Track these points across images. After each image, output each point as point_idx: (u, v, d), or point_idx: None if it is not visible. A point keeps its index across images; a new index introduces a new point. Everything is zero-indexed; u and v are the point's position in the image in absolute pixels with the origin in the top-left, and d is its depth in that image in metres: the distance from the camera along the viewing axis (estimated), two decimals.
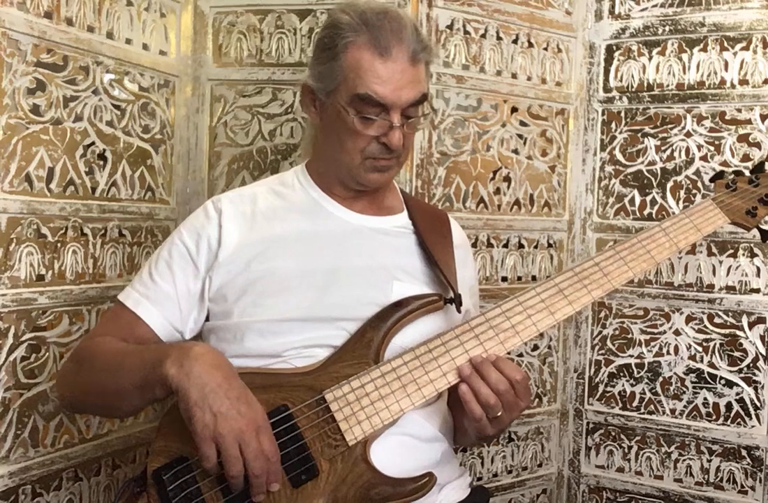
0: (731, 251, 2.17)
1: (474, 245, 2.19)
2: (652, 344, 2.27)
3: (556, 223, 2.34)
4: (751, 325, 2.14)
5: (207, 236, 1.51)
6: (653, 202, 2.27)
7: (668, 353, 2.24)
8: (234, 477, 1.23)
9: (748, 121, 2.15)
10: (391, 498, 1.29)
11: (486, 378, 1.34)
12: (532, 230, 2.30)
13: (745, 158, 2.14)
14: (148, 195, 2.03)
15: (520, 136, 2.27)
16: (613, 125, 2.32)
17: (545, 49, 2.28)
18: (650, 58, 2.27)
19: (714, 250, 2.18)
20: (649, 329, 2.27)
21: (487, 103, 2.21)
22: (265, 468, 1.24)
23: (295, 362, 1.41)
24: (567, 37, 2.31)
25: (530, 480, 2.34)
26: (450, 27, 2.12)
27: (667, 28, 2.23)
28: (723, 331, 2.18)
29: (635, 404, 2.29)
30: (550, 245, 2.33)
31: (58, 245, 1.77)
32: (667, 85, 2.25)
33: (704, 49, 2.20)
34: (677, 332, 2.23)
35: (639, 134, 2.29)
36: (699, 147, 2.21)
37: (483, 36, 2.18)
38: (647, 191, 2.28)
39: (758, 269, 2.14)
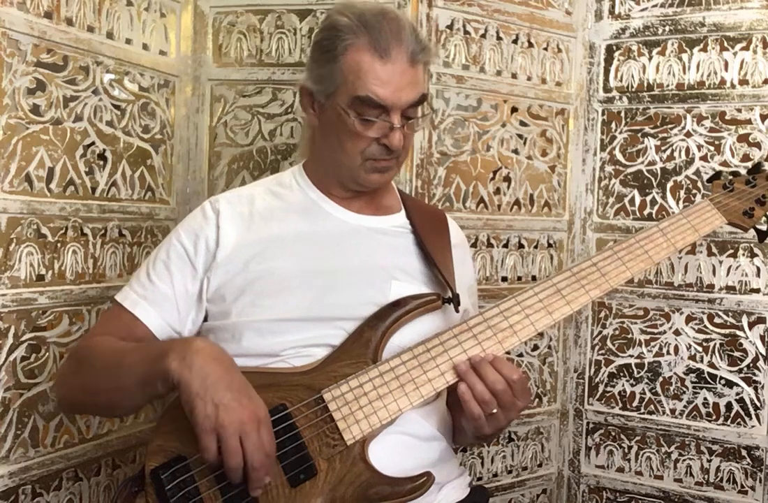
0: (731, 251, 2.17)
1: (474, 245, 2.19)
2: (652, 344, 2.27)
3: (556, 223, 2.34)
4: (751, 325, 2.14)
5: (205, 236, 1.51)
6: (653, 202, 2.27)
7: (668, 353, 2.24)
8: (233, 469, 1.23)
9: (748, 121, 2.15)
10: (389, 497, 1.29)
11: (483, 378, 1.34)
12: (532, 230, 2.30)
13: (745, 158, 2.14)
14: (148, 195, 2.03)
15: (520, 136, 2.27)
16: (613, 125, 2.32)
17: (545, 49, 2.29)
18: (650, 58, 2.27)
19: (714, 250, 2.18)
20: (649, 329, 2.27)
21: (487, 103, 2.21)
22: (264, 461, 1.23)
23: (293, 361, 1.41)
24: (567, 37, 2.31)
25: (530, 480, 2.34)
26: (450, 27, 2.12)
27: (667, 28, 2.23)
28: (723, 331, 2.18)
29: (635, 404, 2.29)
30: (550, 245, 2.33)
31: (58, 245, 1.78)
32: (667, 85, 2.25)
33: (704, 49, 2.20)
34: (677, 332, 2.23)
35: (639, 134, 2.29)
36: (699, 147, 2.21)
37: (483, 36, 2.18)
38: (647, 191, 2.28)
39: (758, 269, 2.14)
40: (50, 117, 1.74)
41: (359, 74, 1.42)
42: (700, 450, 2.20)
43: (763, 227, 1.65)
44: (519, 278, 2.28)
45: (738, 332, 2.16)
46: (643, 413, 2.27)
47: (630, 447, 2.29)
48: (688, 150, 2.23)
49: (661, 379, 2.26)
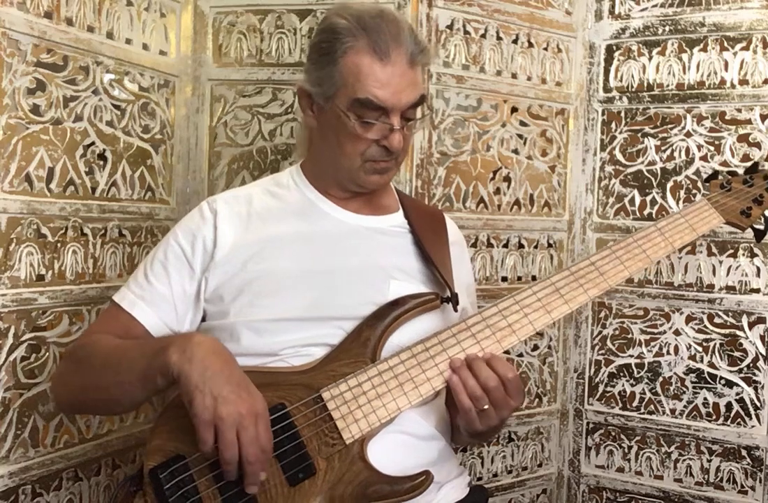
0: (731, 251, 2.17)
1: (474, 245, 2.19)
2: (652, 344, 2.27)
3: (556, 223, 2.34)
4: (751, 325, 2.14)
5: (202, 237, 1.51)
6: (653, 202, 2.27)
7: (668, 353, 2.24)
8: (227, 461, 1.23)
9: (748, 121, 2.15)
10: (388, 496, 1.29)
11: (476, 374, 1.34)
12: (532, 230, 2.30)
13: (745, 158, 2.14)
14: (148, 195, 2.03)
15: (520, 136, 2.27)
16: (613, 125, 2.32)
17: (545, 49, 2.29)
18: (650, 58, 2.27)
19: (714, 250, 2.18)
20: (649, 329, 2.27)
21: (487, 103, 2.21)
22: (259, 455, 1.23)
23: (291, 361, 1.41)
24: (567, 37, 2.31)
25: (530, 480, 2.34)
26: (450, 27, 2.12)
27: (667, 28, 2.23)
28: (723, 331, 2.18)
29: (635, 404, 2.29)
30: (550, 245, 2.33)
31: (58, 245, 1.78)
32: (667, 85, 2.25)
33: (704, 49, 2.20)
34: (677, 332, 2.23)
35: (639, 134, 2.29)
36: (699, 147, 2.21)
37: (483, 36, 2.18)
38: (647, 191, 2.28)
39: (758, 269, 2.14)
40: (50, 117, 1.74)
41: (359, 77, 1.42)
42: (700, 450, 2.20)
43: (761, 227, 1.65)
44: (519, 278, 2.28)
45: (738, 332, 2.16)
46: (643, 413, 2.27)
47: (630, 447, 2.29)
48: (688, 150, 2.23)
49: (661, 379, 2.26)
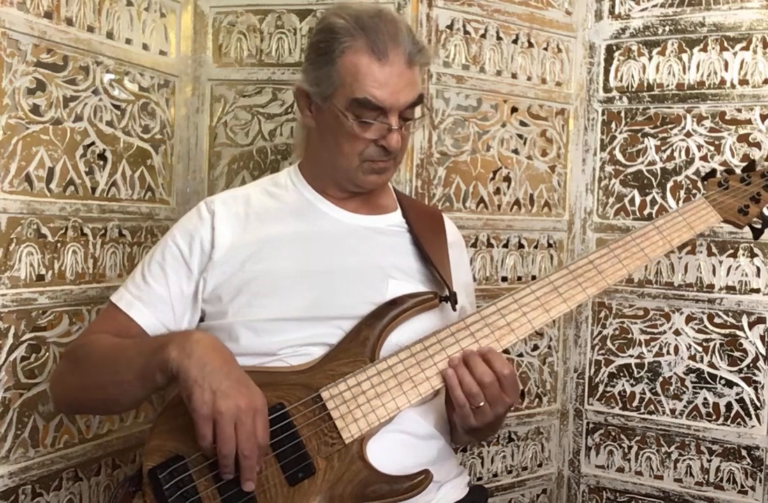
0: (731, 251, 2.17)
1: (474, 245, 2.19)
2: (652, 344, 2.27)
3: (556, 223, 2.34)
4: (751, 325, 2.14)
5: (200, 237, 1.51)
6: (653, 202, 2.27)
7: (668, 353, 2.24)
8: (225, 456, 1.23)
9: (748, 121, 2.15)
10: (388, 495, 1.29)
11: (472, 370, 1.34)
12: (532, 230, 2.30)
13: (745, 158, 2.14)
14: (148, 195, 2.03)
15: (520, 136, 2.27)
16: (613, 125, 2.32)
17: (545, 49, 2.29)
18: (650, 58, 2.27)
19: (714, 250, 2.18)
20: (649, 329, 2.27)
21: (487, 103, 2.21)
22: (254, 449, 1.24)
23: (290, 360, 1.41)
24: (567, 37, 2.31)
25: (530, 480, 2.34)
26: (450, 27, 2.12)
27: (667, 28, 2.23)
28: (723, 331, 2.18)
29: (635, 404, 2.29)
30: (550, 245, 2.33)
31: (58, 245, 1.78)
32: (667, 85, 2.25)
33: (704, 49, 2.20)
34: (677, 332, 2.23)
35: (639, 134, 2.29)
36: (699, 147, 2.21)
37: (483, 36, 2.18)
38: (647, 191, 2.28)
39: (758, 269, 2.14)
40: (50, 117, 1.74)
41: (357, 76, 1.43)
42: (700, 450, 2.20)
43: (758, 225, 1.65)
44: (519, 278, 2.28)
45: (738, 332, 2.16)
46: (643, 413, 2.27)
47: (630, 447, 2.29)
48: (688, 150, 2.23)
49: (661, 379, 2.25)
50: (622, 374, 2.31)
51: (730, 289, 2.17)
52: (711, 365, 2.19)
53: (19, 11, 1.65)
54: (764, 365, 2.13)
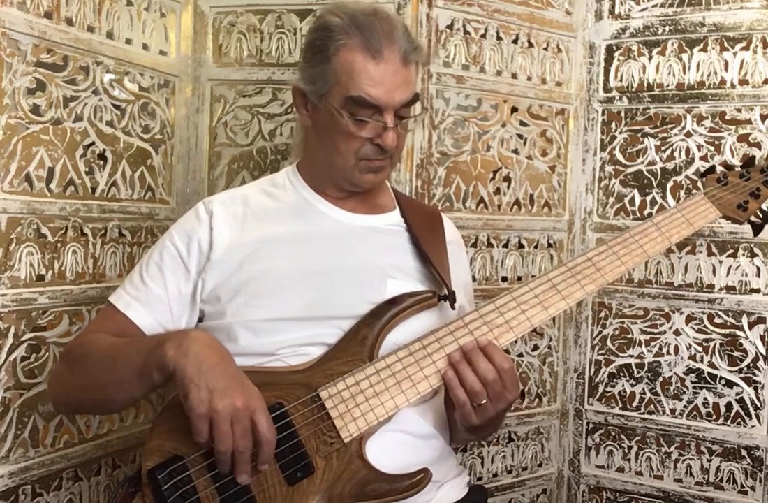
0: (731, 251, 2.16)
1: (474, 245, 2.19)
2: (652, 344, 2.26)
3: (556, 223, 2.34)
4: (751, 325, 2.14)
5: (198, 238, 1.51)
6: (653, 202, 2.27)
7: (668, 353, 2.24)
8: (222, 453, 1.23)
9: (748, 121, 2.15)
10: (387, 494, 1.29)
11: (475, 366, 1.34)
12: (532, 230, 2.30)
13: (745, 158, 2.14)
14: (148, 195, 2.03)
15: (520, 136, 2.27)
16: (613, 125, 2.32)
17: (545, 49, 2.29)
18: (650, 58, 2.27)
19: (714, 250, 2.18)
20: (649, 329, 2.27)
21: (487, 103, 2.21)
22: (250, 446, 1.24)
23: (289, 360, 1.41)
24: (567, 37, 2.31)
25: (530, 480, 2.34)
26: (450, 27, 2.12)
27: (667, 28, 2.23)
28: (723, 331, 2.18)
29: (635, 404, 2.29)
30: (550, 245, 2.33)
31: (58, 245, 1.78)
32: (667, 85, 2.25)
33: (704, 49, 2.20)
34: (677, 332, 2.23)
35: (639, 134, 2.29)
36: (699, 147, 2.21)
37: (483, 36, 2.18)
38: (647, 191, 2.28)
39: (758, 269, 2.14)
40: (50, 117, 1.74)
41: (352, 75, 1.43)
42: (700, 450, 2.20)
43: (758, 220, 1.65)
44: (519, 278, 2.28)
45: (738, 332, 2.16)
46: (643, 413, 2.27)
47: (630, 447, 2.29)
48: (688, 150, 2.23)
49: (661, 379, 2.25)
50: (622, 374, 2.31)
51: (730, 289, 2.17)
52: (711, 365, 2.19)
53: (19, 11, 1.65)
54: (764, 365, 2.13)
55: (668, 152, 2.25)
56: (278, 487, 1.29)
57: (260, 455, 1.26)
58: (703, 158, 2.20)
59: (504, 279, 2.26)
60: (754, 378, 2.14)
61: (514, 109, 2.25)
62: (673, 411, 2.24)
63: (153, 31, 2.02)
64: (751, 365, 2.14)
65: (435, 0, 2.07)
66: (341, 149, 1.48)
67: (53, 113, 1.75)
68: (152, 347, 1.30)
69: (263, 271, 1.47)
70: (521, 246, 2.29)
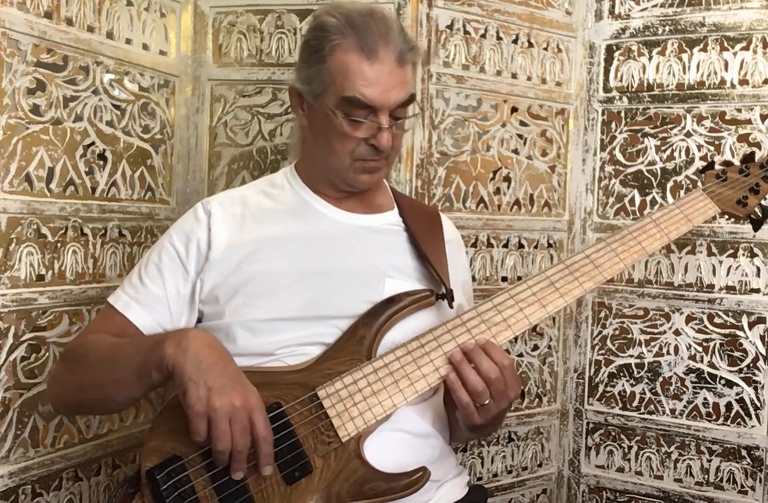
0: (731, 251, 2.16)
1: (474, 245, 2.19)
2: (652, 344, 2.26)
3: (556, 223, 2.34)
4: (751, 325, 2.14)
5: (196, 238, 1.51)
6: (653, 202, 2.27)
7: (668, 353, 2.24)
8: (220, 451, 1.24)
9: (748, 122, 2.15)
10: (385, 493, 1.29)
11: (477, 365, 1.34)
12: (532, 230, 2.30)
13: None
14: (148, 195, 2.04)
15: (520, 136, 2.27)
16: (613, 125, 2.32)
17: (545, 49, 2.29)
18: (650, 58, 2.26)
19: (714, 250, 2.18)
20: (649, 329, 2.27)
21: (487, 103, 2.21)
22: (248, 445, 1.24)
23: (287, 360, 1.41)
24: (567, 37, 2.31)
25: (530, 480, 2.34)
26: (450, 27, 2.12)
27: (667, 28, 2.23)
28: (723, 331, 2.18)
29: (635, 404, 2.28)
30: (550, 245, 2.33)
31: (58, 245, 1.78)
32: (667, 85, 2.25)
33: (704, 49, 2.20)
34: (677, 332, 2.23)
35: (639, 134, 2.29)
36: (699, 147, 2.21)
37: (483, 36, 2.18)
38: (647, 191, 2.28)
39: (758, 269, 2.14)
40: (50, 117, 1.75)
41: (347, 75, 1.43)
42: (700, 450, 2.20)
43: (758, 216, 1.65)
44: (519, 278, 2.27)
45: (738, 332, 2.15)
46: (643, 413, 2.27)
47: (630, 447, 2.29)
48: (688, 150, 2.23)
49: (661, 379, 2.25)
50: (622, 374, 2.30)
51: (730, 289, 2.17)
52: (711, 365, 2.19)
53: (19, 11, 1.65)
54: (764, 365, 2.13)
55: (668, 152, 2.25)
56: (276, 486, 1.29)
57: (258, 454, 1.26)
58: (703, 158, 2.20)
59: (504, 279, 2.26)
60: (754, 378, 2.14)
61: (514, 109, 2.25)
62: (673, 411, 2.23)
63: (153, 31, 2.03)
64: (751, 365, 2.14)
65: (435, 0, 2.07)
66: (336, 149, 1.48)
67: (53, 113, 1.75)
68: (151, 347, 1.31)
69: (262, 271, 1.47)
70: (521, 246, 2.28)
